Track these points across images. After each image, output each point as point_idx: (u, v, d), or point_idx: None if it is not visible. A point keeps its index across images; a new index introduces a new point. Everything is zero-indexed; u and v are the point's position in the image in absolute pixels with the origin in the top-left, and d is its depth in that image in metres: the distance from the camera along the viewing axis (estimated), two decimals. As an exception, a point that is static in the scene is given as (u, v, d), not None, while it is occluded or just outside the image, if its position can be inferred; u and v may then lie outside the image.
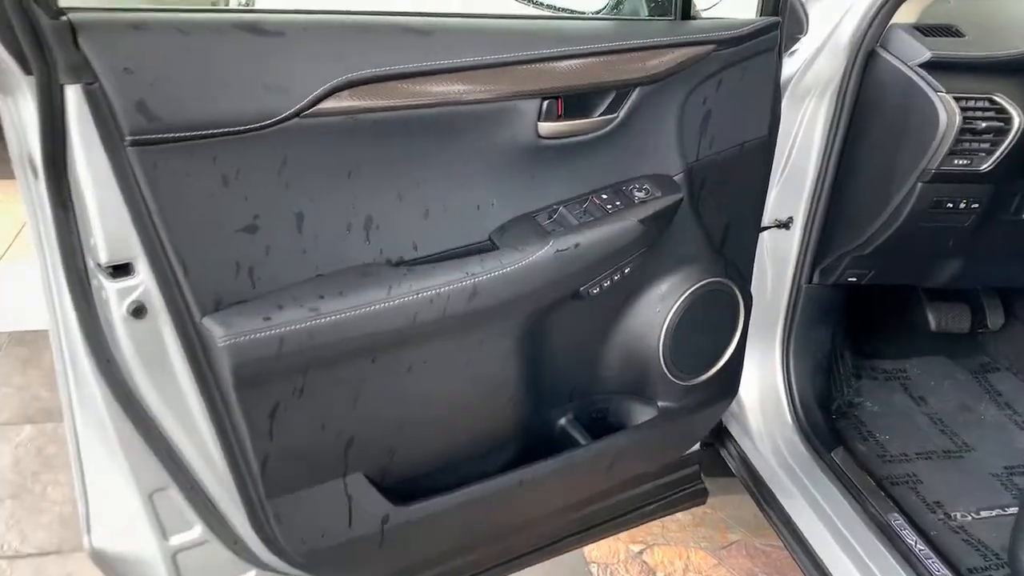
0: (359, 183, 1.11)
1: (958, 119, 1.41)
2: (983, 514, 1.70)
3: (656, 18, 1.38)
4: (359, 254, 1.14)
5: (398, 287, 1.11)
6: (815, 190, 1.66)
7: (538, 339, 1.33)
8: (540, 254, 1.21)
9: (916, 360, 2.18)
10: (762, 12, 1.43)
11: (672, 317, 1.43)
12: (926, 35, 1.49)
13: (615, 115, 1.28)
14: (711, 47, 1.32)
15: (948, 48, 1.45)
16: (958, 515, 1.70)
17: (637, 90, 1.28)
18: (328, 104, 1.02)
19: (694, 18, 1.37)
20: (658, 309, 1.44)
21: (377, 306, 1.09)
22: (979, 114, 1.42)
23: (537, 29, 1.23)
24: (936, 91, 1.42)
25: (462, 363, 1.25)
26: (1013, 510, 1.72)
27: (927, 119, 1.43)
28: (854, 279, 1.74)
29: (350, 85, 1.02)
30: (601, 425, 1.54)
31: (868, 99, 1.54)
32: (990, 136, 1.43)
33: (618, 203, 1.30)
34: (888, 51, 1.51)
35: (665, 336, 1.44)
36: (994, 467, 1.85)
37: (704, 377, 1.55)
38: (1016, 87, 1.45)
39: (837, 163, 1.61)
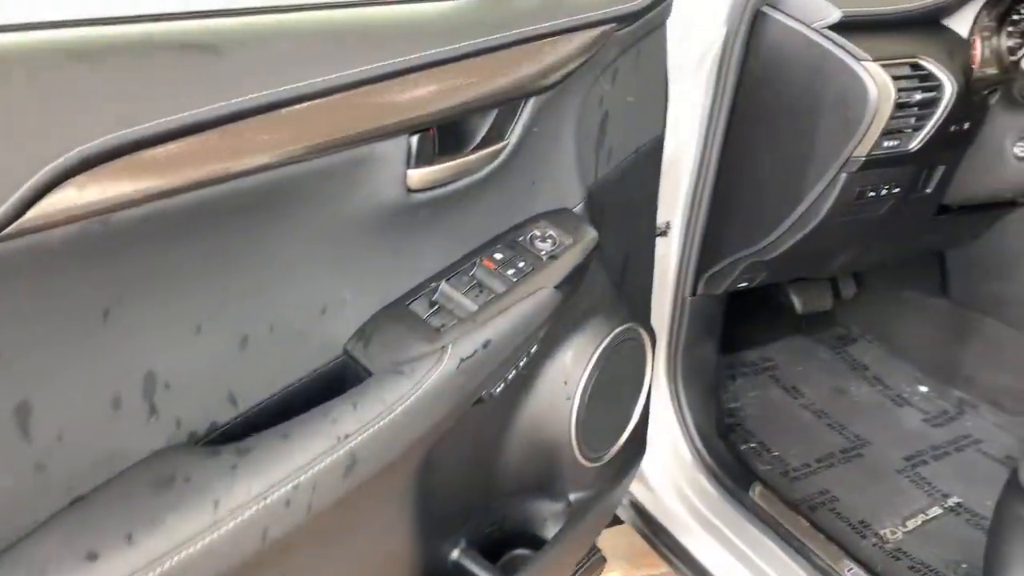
0: (124, 325, 0.61)
1: (893, 93, 1.15)
2: (910, 525, 1.53)
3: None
4: (142, 440, 0.65)
5: (229, 495, 0.64)
6: (695, 188, 1.35)
7: (427, 472, 0.90)
8: (438, 374, 0.78)
9: (778, 345, 1.99)
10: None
11: (583, 390, 1.06)
12: None
13: (505, 142, 0.86)
14: (612, 26, 0.93)
15: (854, 2, 1.18)
16: (887, 533, 1.51)
17: (531, 101, 0.87)
18: (50, 206, 0.52)
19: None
20: (565, 383, 1.06)
21: (199, 544, 0.61)
22: (905, 83, 1.16)
23: (373, 23, 0.77)
24: (859, 60, 1.14)
25: (336, 559, 0.80)
26: (934, 512, 1.57)
27: (851, 96, 1.15)
28: (744, 284, 1.47)
29: (86, 167, 0.53)
30: (500, 542, 1.15)
31: (760, 73, 1.24)
32: (916, 109, 1.19)
33: (521, 264, 0.89)
34: (781, 10, 1.21)
35: (577, 415, 1.07)
36: (895, 461, 1.69)
37: (617, 446, 1.21)
38: (937, 46, 1.22)
39: (721, 154, 1.31)
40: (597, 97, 0.98)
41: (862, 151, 1.17)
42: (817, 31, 1.17)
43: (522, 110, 0.86)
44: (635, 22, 0.97)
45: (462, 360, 0.80)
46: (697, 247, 1.40)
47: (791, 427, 1.77)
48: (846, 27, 1.16)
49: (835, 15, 1.16)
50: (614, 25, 0.93)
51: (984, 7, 1.26)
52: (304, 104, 0.65)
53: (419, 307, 0.84)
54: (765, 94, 1.25)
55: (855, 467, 1.67)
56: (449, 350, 0.80)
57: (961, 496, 1.60)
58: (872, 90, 1.12)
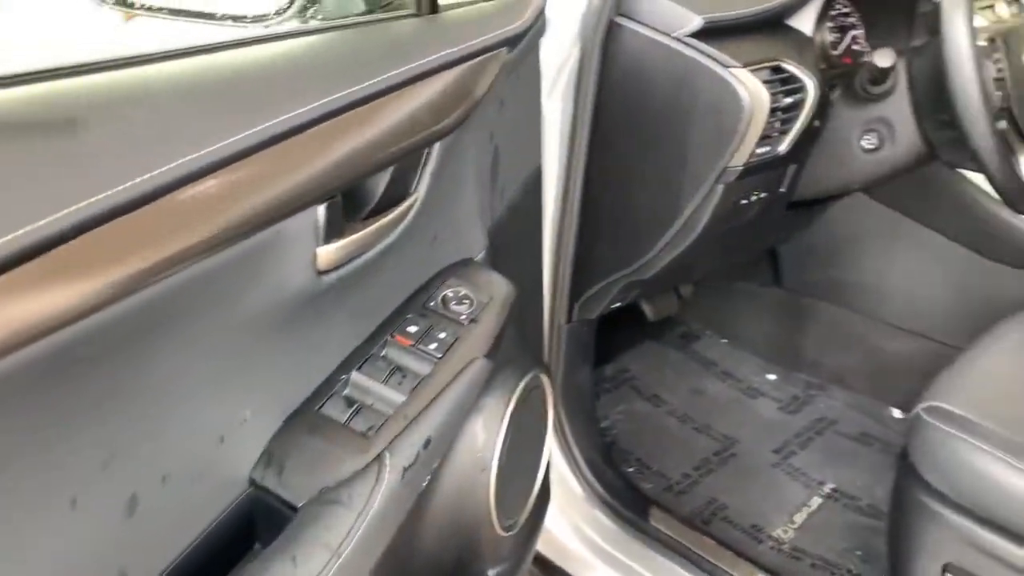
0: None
1: (766, 98, 1.11)
2: (798, 520, 1.54)
3: (387, 16, 0.82)
4: None
5: None
6: (562, 212, 1.26)
7: None
8: (383, 494, 0.63)
9: (631, 354, 1.96)
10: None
11: (498, 458, 0.94)
12: None
13: (413, 196, 0.72)
14: (503, 51, 0.82)
15: (711, 7, 1.14)
16: (780, 533, 1.51)
17: (437, 147, 0.73)
18: None
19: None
20: (479, 454, 0.93)
21: None
22: (772, 87, 1.14)
23: (248, 68, 0.60)
24: (727, 67, 1.10)
25: None
26: (815, 503, 1.59)
27: (724, 105, 1.10)
28: (618, 304, 1.41)
29: None
30: None
31: (622, 88, 1.17)
32: (781, 113, 1.17)
33: (441, 334, 0.75)
34: (637, 20, 1.15)
35: (495, 486, 0.94)
36: (766, 455, 1.70)
37: (530, 504, 1.10)
38: (792, 47, 1.20)
39: (586, 175, 1.23)
40: (488, 131, 0.86)
41: (739, 160, 1.13)
42: (679, 40, 1.12)
43: (427, 157, 0.72)
44: (519, 44, 0.86)
45: (405, 469, 0.65)
46: (569, 273, 1.31)
47: (662, 438, 1.74)
48: (708, 34, 1.12)
49: (696, 22, 1.11)
50: (504, 50, 0.82)
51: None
52: (191, 187, 0.48)
53: (333, 410, 0.68)
54: (629, 109, 1.18)
55: (732, 469, 1.66)
56: (387, 460, 0.65)
57: (834, 481, 1.64)
58: (745, 97, 1.09)
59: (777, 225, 1.52)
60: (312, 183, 0.57)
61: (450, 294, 0.80)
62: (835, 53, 1.36)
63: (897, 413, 1.81)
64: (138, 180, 0.45)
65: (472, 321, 0.78)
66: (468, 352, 0.75)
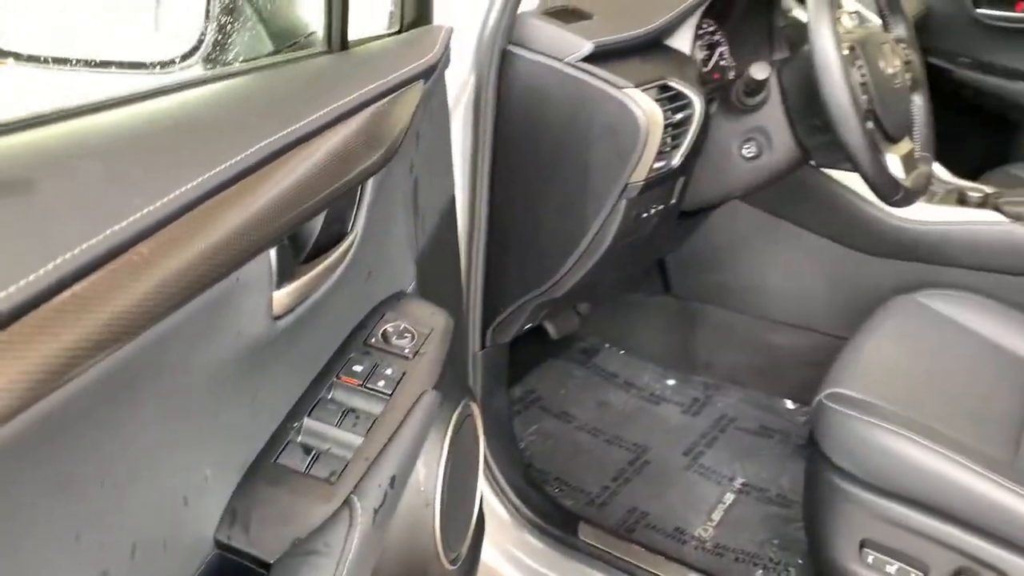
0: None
1: (660, 116, 1.16)
2: (716, 518, 1.59)
3: (300, 55, 0.80)
4: None
5: None
6: (469, 239, 1.27)
7: None
8: (358, 538, 0.61)
9: (536, 374, 1.98)
10: (409, 20, 0.96)
11: (440, 491, 0.93)
12: (565, 22, 1.20)
13: (353, 232, 0.71)
14: (420, 82, 0.82)
15: (597, 32, 1.18)
16: (701, 532, 1.55)
17: (371, 181, 0.72)
18: None
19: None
20: (422, 488, 0.92)
21: None
22: (662, 105, 1.19)
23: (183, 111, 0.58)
24: (620, 88, 1.14)
25: None
26: (729, 499, 1.65)
27: (621, 125, 1.14)
28: (530, 325, 1.42)
29: None
30: None
31: (519, 114, 1.19)
32: (671, 129, 1.22)
33: (388, 371, 0.74)
34: (530, 48, 1.18)
35: (440, 520, 0.93)
36: (677, 459, 1.76)
37: (469, 534, 1.09)
38: (675, 66, 1.26)
39: (490, 200, 1.24)
40: (408, 162, 0.86)
41: (639, 176, 1.18)
42: (571, 65, 1.15)
43: (362, 192, 0.72)
44: (432, 76, 0.87)
45: (376, 511, 0.64)
46: (480, 300, 1.32)
47: (577, 454, 1.76)
48: (598, 57, 1.16)
49: (587, 47, 1.15)
50: (421, 81, 0.82)
51: None
52: (148, 240, 0.45)
53: (291, 459, 0.65)
54: (529, 134, 1.21)
55: (647, 476, 1.71)
56: (357, 504, 0.63)
57: (743, 475, 1.71)
58: (641, 116, 1.13)
59: (668, 236, 1.58)
60: (264, 226, 0.55)
61: (390, 329, 0.79)
62: (705, 70, 1.44)
63: (790, 404, 1.91)
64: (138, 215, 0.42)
65: (416, 354, 0.77)
66: (416, 386, 0.74)
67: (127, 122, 0.57)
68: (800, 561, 1.51)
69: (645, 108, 1.13)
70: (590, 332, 2.11)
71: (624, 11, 1.25)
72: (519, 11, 1.18)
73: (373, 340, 0.77)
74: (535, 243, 1.28)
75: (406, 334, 0.78)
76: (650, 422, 1.87)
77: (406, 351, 0.77)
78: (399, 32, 0.94)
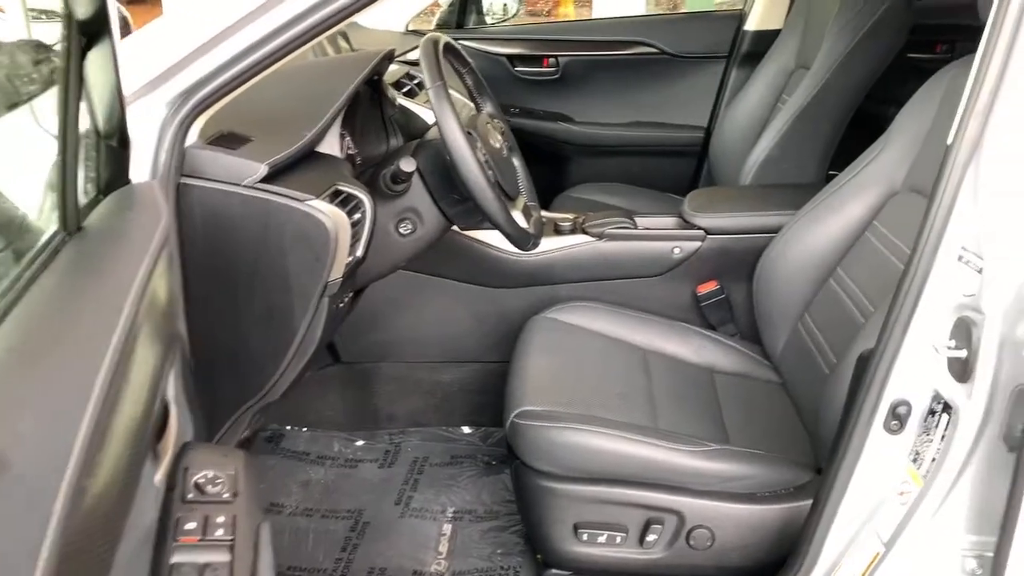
0: None
1: (346, 219, 1.28)
2: (443, 550, 1.76)
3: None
4: None
5: None
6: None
7: None
8: None
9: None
10: (105, 181, 0.99)
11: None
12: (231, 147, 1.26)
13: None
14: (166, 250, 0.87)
15: (264, 153, 1.26)
16: (436, 568, 1.72)
17: None
18: None
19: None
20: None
21: None
22: (340, 208, 1.31)
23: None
24: (303, 200, 1.24)
25: None
26: (447, 530, 1.83)
27: (312, 233, 1.24)
28: (258, 428, 1.46)
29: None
30: None
31: (205, 241, 1.24)
32: (352, 227, 1.35)
33: (220, 518, 0.79)
34: (204, 177, 1.23)
35: None
36: (391, 510, 1.89)
37: None
38: (336, 171, 1.38)
39: (188, 325, 1.28)
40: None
41: (337, 273, 1.30)
42: (254, 187, 1.23)
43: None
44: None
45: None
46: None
47: (300, 539, 1.81)
48: (273, 176, 1.25)
49: (262, 170, 1.23)
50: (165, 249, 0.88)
51: None
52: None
53: None
54: (221, 252, 1.25)
55: (372, 535, 1.82)
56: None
57: (451, 505, 1.91)
58: (330, 223, 1.25)
59: (345, 313, 1.72)
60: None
61: (200, 480, 0.83)
62: (354, 165, 1.60)
63: (468, 430, 2.17)
64: None
65: (235, 495, 0.83)
66: (250, 521, 0.81)
67: None
68: (522, 560, 1.76)
69: (331, 215, 1.26)
70: (270, 419, 2.15)
71: (275, 129, 1.35)
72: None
73: (191, 496, 0.82)
74: (245, 354, 1.34)
75: (217, 481, 0.84)
76: (354, 486, 1.99)
77: (226, 495, 0.83)
78: (99, 195, 0.98)
